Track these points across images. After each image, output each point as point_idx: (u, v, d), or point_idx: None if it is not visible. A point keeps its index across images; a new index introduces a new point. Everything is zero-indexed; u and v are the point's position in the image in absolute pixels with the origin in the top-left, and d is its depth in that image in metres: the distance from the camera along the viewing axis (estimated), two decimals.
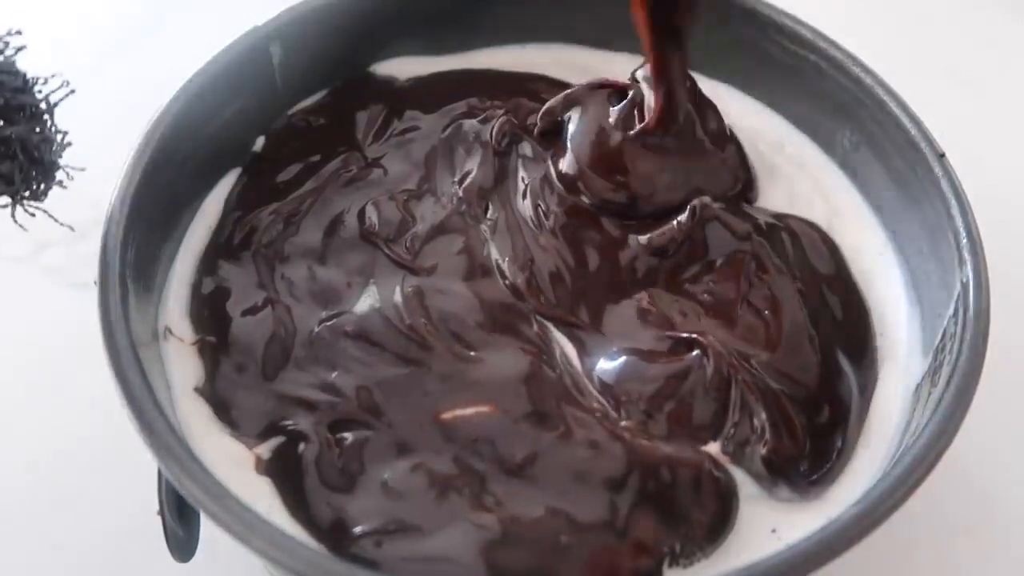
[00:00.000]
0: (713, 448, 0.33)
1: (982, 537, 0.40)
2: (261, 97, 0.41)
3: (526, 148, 0.40)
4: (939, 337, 0.35)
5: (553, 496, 0.31)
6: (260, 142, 0.41)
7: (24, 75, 0.30)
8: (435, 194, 0.39)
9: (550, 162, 0.40)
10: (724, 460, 0.33)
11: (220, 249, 0.38)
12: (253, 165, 0.41)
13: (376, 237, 0.38)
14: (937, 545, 0.39)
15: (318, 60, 0.42)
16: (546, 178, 0.39)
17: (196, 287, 0.37)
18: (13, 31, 0.29)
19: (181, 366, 0.35)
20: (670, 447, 0.32)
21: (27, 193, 0.30)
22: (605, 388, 0.34)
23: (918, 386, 0.35)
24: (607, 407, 0.34)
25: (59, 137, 0.31)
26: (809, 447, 0.34)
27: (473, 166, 0.40)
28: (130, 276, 0.33)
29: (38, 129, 0.30)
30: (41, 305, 0.45)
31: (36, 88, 0.30)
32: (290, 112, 0.42)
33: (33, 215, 0.31)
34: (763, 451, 0.33)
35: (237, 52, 0.39)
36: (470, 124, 0.41)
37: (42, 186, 0.30)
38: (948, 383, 0.32)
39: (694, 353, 0.34)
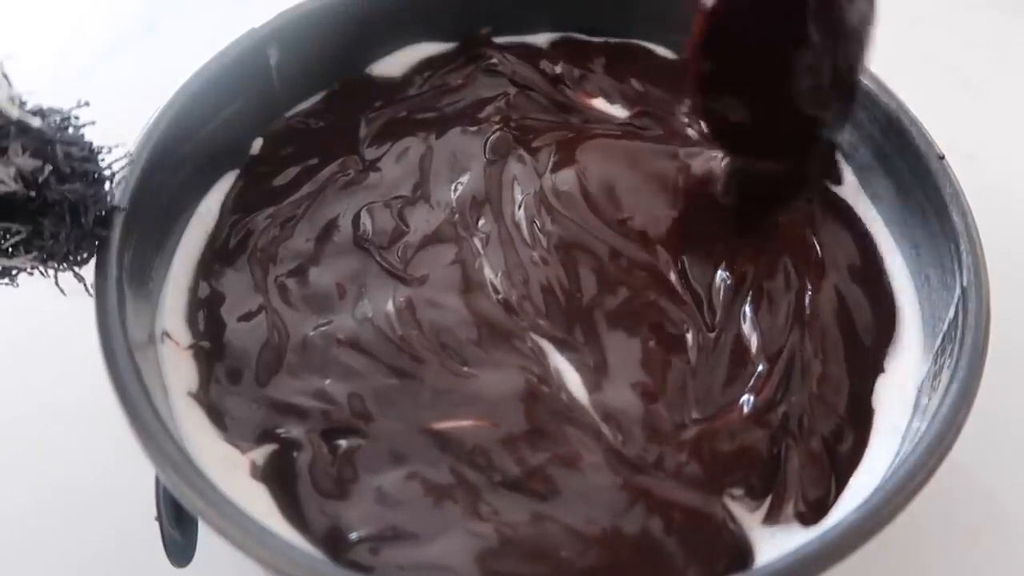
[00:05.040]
0: (733, 496, 0.33)
1: (983, 540, 0.40)
2: (258, 99, 0.41)
3: (521, 161, 0.40)
4: (939, 340, 0.35)
5: (554, 511, 0.31)
6: (257, 144, 0.41)
7: (90, 144, 0.32)
8: (429, 201, 0.39)
9: (548, 174, 0.39)
10: (741, 511, 0.32)
11: (216, 253, 0.38)
12: (250, 167, 0.40)
13: (369, 244, 0.38)
14: (938, 548, 0.39)
15: (315, 62, 0.42)
16: (541, 193, 0.39)
17: (193, 291, 0.37)
18: (81, 103, 0.31)
19: (177, 370, 0.35)
20: (681, 490, 0.32)
21: (66, 252, 0.31)
22: (609, 418, 0.34)
23: (918, 389, 0.35)
24: (609, 435, 0.33)
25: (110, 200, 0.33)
26: (834, 485, 0.33)
27: (467, 175, 0.40)
28: (127, 280, 0.33)
29: (93, 192, 0.32)
30: (38, 308, 0.45)
31: (100, 156, 0.32)
32: (288, 114, 0.42)
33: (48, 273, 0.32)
34: (795, 508, 0.32)
35: (234, 55, 0.39)
36: (466, 131, 0.41)
37: (77, 250, 0.32)
38: (949, 386, 0.31)
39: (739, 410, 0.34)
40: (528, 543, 0.30)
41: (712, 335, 0.36)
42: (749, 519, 0.32)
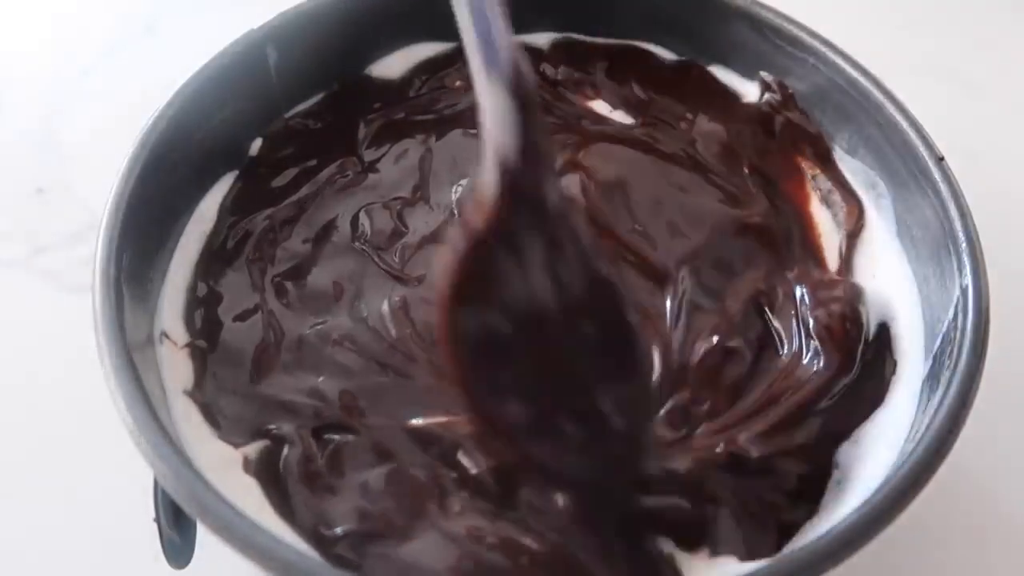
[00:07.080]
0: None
1: (983, 541, 0.40)
2: (257, 100, 0.41)
3: None
4: (939, 341, 0.35)
5: (523, 514, 0.31)
6: (256, 145, 0.41)
7: None
8: (428, 202, 0.39)
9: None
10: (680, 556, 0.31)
11: (215, 254, 0.38)
12: (249, 168, 0.40)
13: (367, 245, 0.38)
14: (937, 549, 0.39)
15: (314, 62, 0.42)
16: None
17: (191, 292, 0.37)
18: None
19: (174, 369, 0.35)
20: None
21: None
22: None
23: (918, 390, 0.35)
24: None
25: None
26: (780, 540, 0.32)
27: (467, 178, 0.40)
28: (125, 280, 0.33)
29: None
30: (38, 308, 0.45)
31: None
32: (287, 115, 0.42)
33: None
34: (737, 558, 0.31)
35: (233, 55, 0.39)
36: (467, 133, 0.41)
37: None
38: (948, 388, 0.31)
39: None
40: (500, 543, 0.30)
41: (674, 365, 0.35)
42: (690, 560, 0.31)
